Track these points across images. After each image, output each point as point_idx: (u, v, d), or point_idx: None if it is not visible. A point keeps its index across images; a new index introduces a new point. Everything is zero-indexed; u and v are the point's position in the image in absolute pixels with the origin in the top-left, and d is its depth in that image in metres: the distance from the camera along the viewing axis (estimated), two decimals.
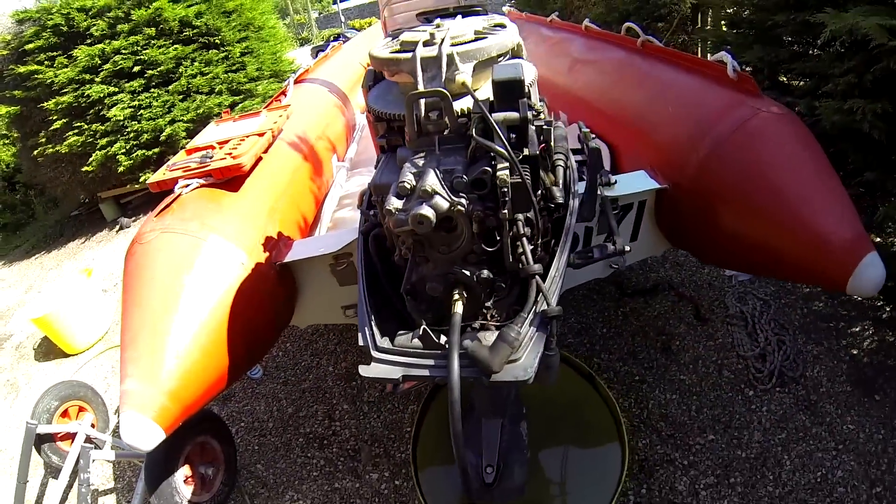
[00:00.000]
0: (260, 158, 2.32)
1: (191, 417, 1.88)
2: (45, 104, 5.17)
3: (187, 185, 2.09)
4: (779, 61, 3.01)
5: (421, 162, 1.16)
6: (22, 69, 5.16)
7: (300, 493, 2.65)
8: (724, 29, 3.62)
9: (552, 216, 1.29)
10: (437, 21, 1.40)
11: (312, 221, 2.70)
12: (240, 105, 6.02)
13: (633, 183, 2.05)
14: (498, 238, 1.15)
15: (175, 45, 5.46)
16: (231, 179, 2.15)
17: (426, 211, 1.07)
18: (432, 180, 1.09)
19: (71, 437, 2.87)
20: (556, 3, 5.79)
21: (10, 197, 8.03)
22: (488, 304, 1.22)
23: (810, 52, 2.93)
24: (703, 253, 2.14)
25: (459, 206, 1.09)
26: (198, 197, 2.09)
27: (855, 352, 2.66)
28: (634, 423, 2.57)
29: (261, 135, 2.34)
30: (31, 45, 5.12)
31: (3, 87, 5.49)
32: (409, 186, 1.10)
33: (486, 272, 1.16)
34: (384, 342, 1.20)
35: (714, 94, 2.04)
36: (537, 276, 1.12)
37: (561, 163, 1.31)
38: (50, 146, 5.45)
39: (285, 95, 3.33)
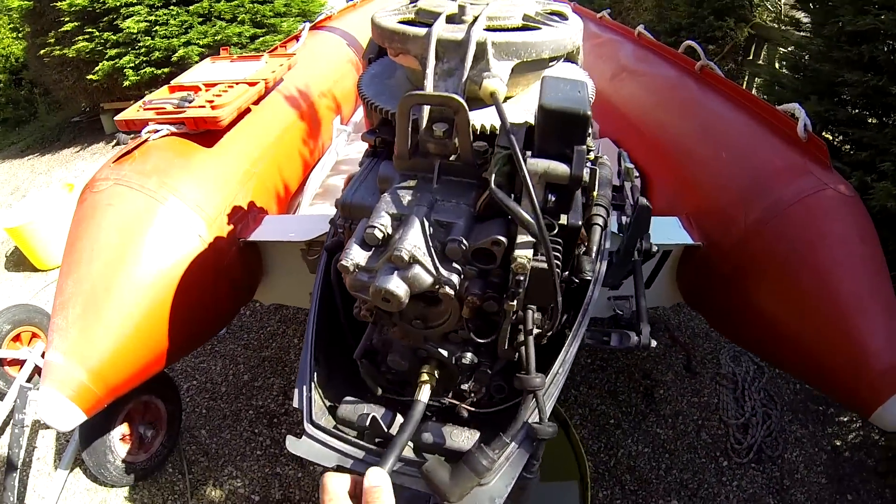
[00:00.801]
0: (248, 110, 1.95)
1: None
2: (59, 3, 4.70)
3: (156, 131, 1.72)
4: (836, 121, 2.65)
5: (407, 199, 0.76)
6: None
7: (240, 471, 2.41)
8: (780, 69, 3.22)
9: (582, 290, 0.92)
10: None
11: (297, 188, 2.34)
12: (260, 38, 5.52)
13: (663, 231, 1.75)
14: (496, 327, 0.79)
15: None
16: (206, 132, 1.79)
17: (396, 288, 0.69)
18: (415, 239, 0.70)
19: (20, 363, 2.62)
20: (604, 0, 5.33)
21: (15, 92, 7.53)
22: (465, 386, 0.88)
23: (874, 121, 2.58)
24: (719, 323, 1.88)
25: (447, 288, 0.72)
26: (165, 147, 1.73)
27: (838, 443, 2.44)
28: (599, 471, 2.35)
29: (252, 84, 1.96)
30: None
31: None
32: (379, 236, 0.72)
33: (469, 356, 0.82)
34: (320, 415, 0.86)
35: (778, 153, 1.74)
36: (536, 392, 0.76)
37: (599, 222, 0.90)
38: (58, 48, 5.01)
39: (297, 41, 2.90)
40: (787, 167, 1.65)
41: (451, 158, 0.78)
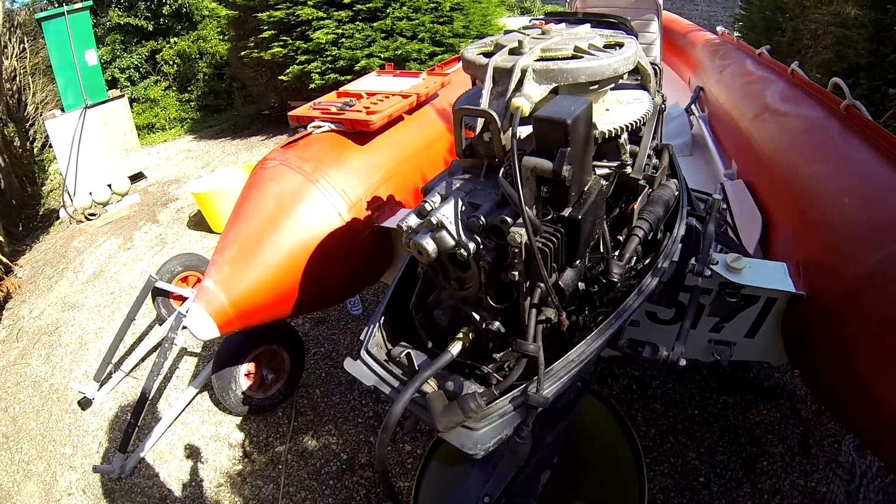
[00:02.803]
0: (401, 118, 2.35)
1: (270, 326, 2.07)
2: (260, 14, 5.78)
3: (319, 127, 2.21)
4: None
5: (457, 184, 1.02)
6: None
7: (338, 431, 2.80)
8: None
9: (609, 290, 1.09)
10: (549, 26, 1.20)
11: None
12: (438, 56, 6.13)
13: (765, 275, 1.71)
14: (511, 296, 1.00)
15: None
16: (360, 132, 2.21)
17: (426, 243, 0.94)
18: (447, 211, 0.95)
19: (182, 299, 3.31)
20: (783, 37, 5.05)
21: (217, 84, 9.35)
22: (496, 355, 1.07)
23: None
24: (815, 389, 1.77)
25: (462, 250, 0.94)
26: (324, 140, 2.19)
27: None
28: None
29: (405, 96, 2.36)
30: None
31: None
32: (428, 208, 0.99)
33: (497, 324, 1.02)
34: (377, 349, 1.14)
35: None
36: (537, 357, 0.95)
37: (638, 233, 1.08)
38: (256, 51, 6.12)
39: (456, 63, 3.33)
40: None
41: (495, 159, 1.02)
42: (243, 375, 2.76)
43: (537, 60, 1.01)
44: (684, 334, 1.14)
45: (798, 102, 2.45)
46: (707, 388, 2.83)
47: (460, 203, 0.98)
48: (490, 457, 1.75)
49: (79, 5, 5.48)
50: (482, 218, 0.94)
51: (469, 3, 6.35)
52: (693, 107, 3.54)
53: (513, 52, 1.06)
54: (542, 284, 0.92)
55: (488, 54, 1.08)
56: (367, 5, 5.72)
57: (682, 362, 1.07)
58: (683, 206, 1.29)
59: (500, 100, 0.96)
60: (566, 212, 0.93)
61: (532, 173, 0.89)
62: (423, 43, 5.97)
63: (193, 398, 3.02)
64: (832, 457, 2.49)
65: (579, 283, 1.09)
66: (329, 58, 5.80)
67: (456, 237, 0.95)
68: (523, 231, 0.86)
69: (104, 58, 8.76)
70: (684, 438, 2.61)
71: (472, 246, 0.94)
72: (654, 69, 1.41)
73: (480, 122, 1.00)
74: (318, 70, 5.83)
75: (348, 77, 5.71)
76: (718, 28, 4.00)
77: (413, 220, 0.99)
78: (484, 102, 0.99)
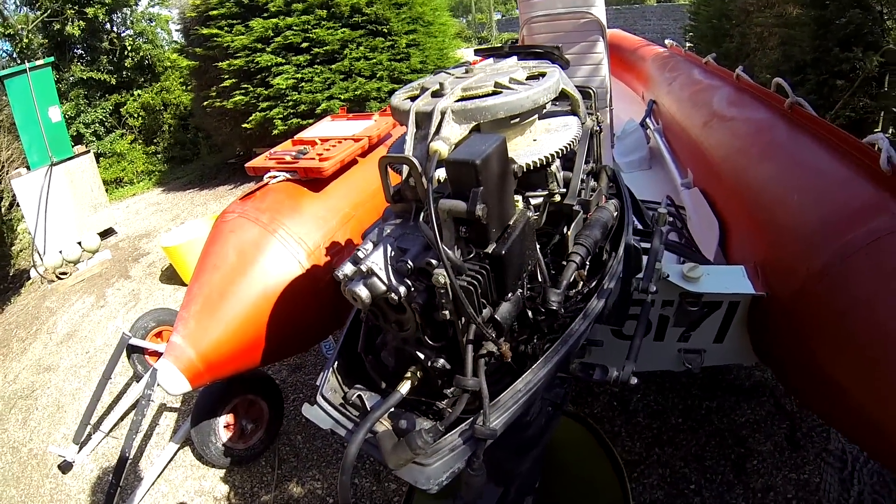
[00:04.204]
0: (355, 161, 2.39)
1: (245, 376, 2.07)
2: (220, 64, 5.88)
3: (275, 177, 2.25)
4: None
5: (388, 230, 1.05)
6: (205, 31, 5.93)
7: (322, 475, 2.77)
8: None
9: (553, 318, 1.09)
10: (468, 66, 1.23)
11: None
12: None
13: (724, 281, 1.76)
14: (448, 334, 1.01)
15: (343, 29, 5.87)
16: (315, 179, 2.25)
17: (360, 290, 0.98)
18: (377, 258, 0.99)
19: (158, 355, 3.26)
20: (731, 43, 5.25)
21: (182, 135, 9.41)
22: (447, 391, 1.08)
23: None
24: (785, 383, 1.80)
25: (393, 294, 0.97)
26: (280, 190, 2.23)
27: None
28: None
29: (357, 140, 2.41)
30: (214, 12, 5.87)
31: (189, 43, 6.36)
32: (361, 255, 1.01)
33: (441, 361, 1.03)
34: (332, 393, 1.15)
35: (855, 189, 1.62)
36: (477, 391, 0.96)
37: (575, 259, 1.10)
38: (218, 100, 6.21)
39: None
40: (862, 206, 1.54)
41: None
42: (222, 427, 2.74)
43: (458, 101, 1.04)
44: (634, 352, 1.16)
45: (744, 106, 2.51)
46: (689, 396, 2.85)
47: (389, 248, 1.00)
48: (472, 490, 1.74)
49: (41, 62, 5.52)
50: (410, 262, 0.96)
51: (425, 38, 6.52)
52: (648, 120, 3.65)
53: (435, 94, 1.08)
54: (484, 316, 0.94)
55: (415, 98, 1.11)
56: (325, 48, 5.83)
57: (633, 381, 1.08)
58: (628, 225, 1.32)
59: (423, 144, 0.99)
60: (490, 248, 0.95)
61: (449, 215, 0.91)
62: (382, 81, 6.11)
63: (175, 454, 2.97)
64: (822, 446, 2.51)
65: (528, 312, 1.11)
66: (290, 102, 5.91)
67: (386, 282, 0.97)
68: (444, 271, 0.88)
69: (68, 113, 8.76)
70: (670, 448, 2.61)
71: (402, 290, 0.96)
72: (588, 92, 1.45)
73: (406, 167, 1.02)
74: (280, 115, 5.92)
75: (310, 120, 5.85)
76: (667, 41, 4.14)
77: (348, 269, 1.01)
78: (408, 148, 1.02)
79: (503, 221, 0.97)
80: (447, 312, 0.94)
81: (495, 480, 1.76)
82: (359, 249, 1.03)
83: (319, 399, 1.14)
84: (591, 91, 1.44)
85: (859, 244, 1.44)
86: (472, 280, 0.92)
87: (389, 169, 1.04)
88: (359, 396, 1.12)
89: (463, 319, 0.95)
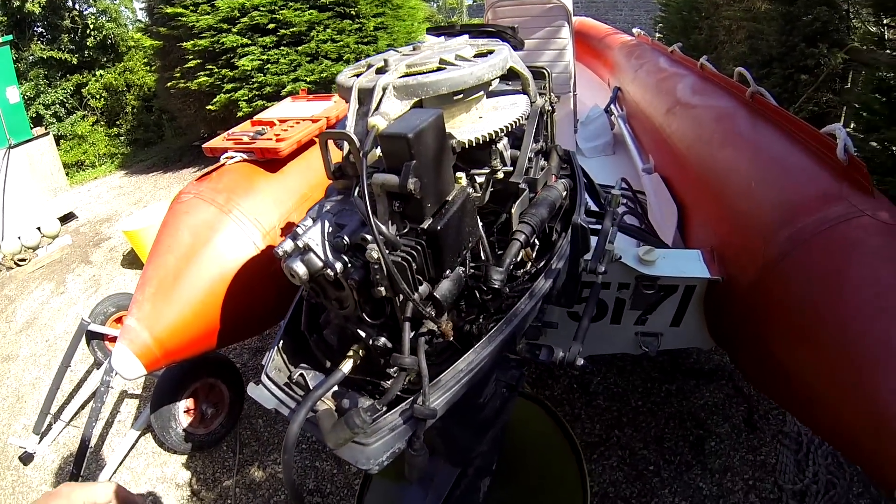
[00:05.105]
0: (312, 142, 2.35)
1: (205, 359, 2.01)
2: (185, 44, 5.71)
3: (232, 158, 2.21)
4: None
5: (328, 206, 1.03)
6: (169, 10, 5.72)
7: None
8: (872, 95, 3.02)
9: (498, 297, 1.09)
10: (416, 44, 1.21)
11: None
12: None
13: (680, 264, 1.77)
14: (385, 311, 1.00)
15: (311, 10, 5.74)
16: (271, 160, 2.22)
17: (297, 266, 0.96)
18: (314, 234, 0.97)
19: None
20: (700, 35, 5.30)
21: (146, 117, 9.16)
22: (390, 370, 1.06)
23: None
24: (741, 367, 1.83)
25: (329, 270, 0.94)
26: (236, 170, 2.19)
27: None
28: None
29: (314, 121, 2.37)
30: None
31: (153, 22, 6.15)
32: (300, 232, 0.99)
33: (382, 340, 1.01)
34: (274, 370, 1.13)
35: (811, 177, 1.64)
36: (414, 370, 0.95)
37: (520, 238, 1.08)
38: (182, 81, 6.03)
39: None
40: (819, 193, 1.56)
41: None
42: (182, 412, 2.70)
43: (402, 77, 1.02)
44: (581, 333, 1.14)
45: (707, 94, 2.54)
46: (649, 379, 2.90)
47: (328, 224, 0.98)
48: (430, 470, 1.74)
49: None
50: (346, 237, 0.94)
51: (393, 21, 6.43)
52: (612, 107, 3.67)
53: (379, 71, 1.06)
54: (420, 294, 0.92)
55: (360, 75, 1.09)
56: (292, 30, 5.71)
57: (580, 362, 1.08)
58: (580, 206, 1.31)
59: (364, 120, 0.96)
60: (426, 224, 0.93)
61: (382, 189, 0.89)
62: (349, 64, 5.96)
63: (136, 442, 2.92)
64: (778, 428, 2.58)
65: (476, 292, 1.10)
66: (255, 84, 5.79)
67: (323, 258, 0.95)
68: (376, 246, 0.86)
69: (27, 94, 8.43)
70: (630, 430, 2.66)
71: (338, 266, 0.94)
72: (541, 72, 1.44)
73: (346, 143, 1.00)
74: (246, 97, 5.80)
75: (275, 103, 5.76)
76: (635, 30, 4.16)
77: (287, 245, 0.98)
78: (349, 124, 1.00)
79: (440, 197, 0.96)
80: (383, 289, 0.92)
81: (452, 461, 1.76)
82: (298, 226, 1.00)
83: (264, 378, 1.12)
84: (544, 71, 1.43)
85: (814, 231, 1.46)
86: (406, 255, 0.90)
87: (333, 145, 1.02)
88: (301, 375, 1.10)
89: (400, 297, 0.94)
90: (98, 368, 3.11)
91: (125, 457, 2.84)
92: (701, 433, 2.63)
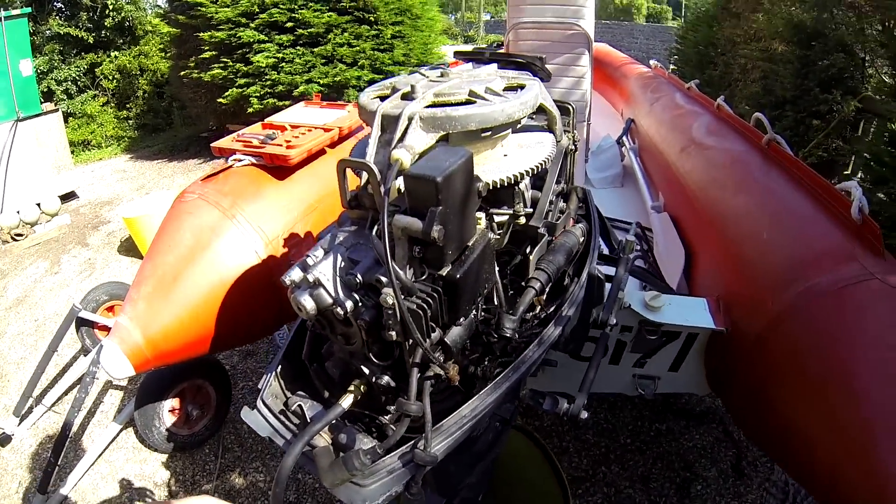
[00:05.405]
0: (323, 151, 2.31)
1: (194, 360, 2.01)
2: (202, 35, 5.68)
3: (240, 160, 2.16)
4: None
5: (341, 237, 0.98)
6: None
7: (265, 468, 2.69)
8: (883, 147, 3.00)
9: (506, 342, 1.04)
10: (444, 69, 1.15)
11: None
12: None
13: (685, 312, 1.73)
14: (394, 354, 0.95)
15: (330, 13, 5.72)
16: (280, 167, 2.17)
17: (305, 300, 0.91)
18: (325, 268, 0.91)
19: (108, 330, 3.10)
20: (715, 70, 5.31)
21: (157, 103, 9.11)
22: (391, 407, 1.02)
23: None
24: (737, 419, 1.80)
25: (339, 308, 0.90)
26: (244, 174, 2.14)
27: None
28: None
29: (327, 130, 2.33)
30: None
31: (172, 9, 6.14)
32: (310, 262, 0.94)
33: (386, 379, 0.97)
34: (270, 396, 1.09)
35: (825, 235, 1.62)
36: (420, 416, 0.90)
37: (535, 285, 1.05)
38: (196, 72, 6.01)
39: None
40: (831, 252, 1.54)
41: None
42: (167, 411, 2.65)
43: (428, 107, 0.97)
44: (587, 386, 1.11)
45: (722, 136, 2.51)
46: (639, 417, 2.86)
47: (339, 259, 0.94)
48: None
49: (17, 11, 5.22)
50: (359, 276, 0.90)
51: (411, 31, 6.41)
52: (625, 138, 3.65)
53: (405, 97, 1.01)
54: (431, 342, 0.88)
55: (385, 98, 1.04)
56: (309, 30, 5.69)
57: (584, 415, 1.04)
58: (594, 249, 1.28)
59: (386, 150, 0.92)
60: (444, 271, 0.89)
61: (403, 233, 0.85)
62: (363, 70, 5.98)
63: (117, 435, 2.85)
64: (765, 476, 2.55)
65: (483, 333, 1.06)
66: (268, 82, 5.76)
67: (333, 295, 0.91)
68: (391, 293, 0.82)
69: (41, 68, 8.35)
70: (617, 468, 2.62)
71: (349, 304, 0.90)
72: (566, 108, 1.41)
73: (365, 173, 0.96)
74: (257, 94, 5.77)
75: (287, 102, 5.73)
76: (652, 61, 4.15)
77: (296, 275, 0.94)
78: (370, 152, 0.95)
79: (462, 243, 0.91)
80: (394, 333, 0.88)
81: (439, 491, 1.73)
82: (308, 255, 0.96)
83: (259, 404, 1.07)
84: (569, 107, 1.39)
85: (825, 290, 1.44)
86: (422, 303, 0.86)
87: (349, 171, 0.98)
88: (299, 406, 1.06)
89: (410, 341, 0.89)
90: (85, 356, 3.07)
91: (105, 449, 2.77)
92: (688, 475, 2.59)
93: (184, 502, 0.65)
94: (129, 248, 4.85)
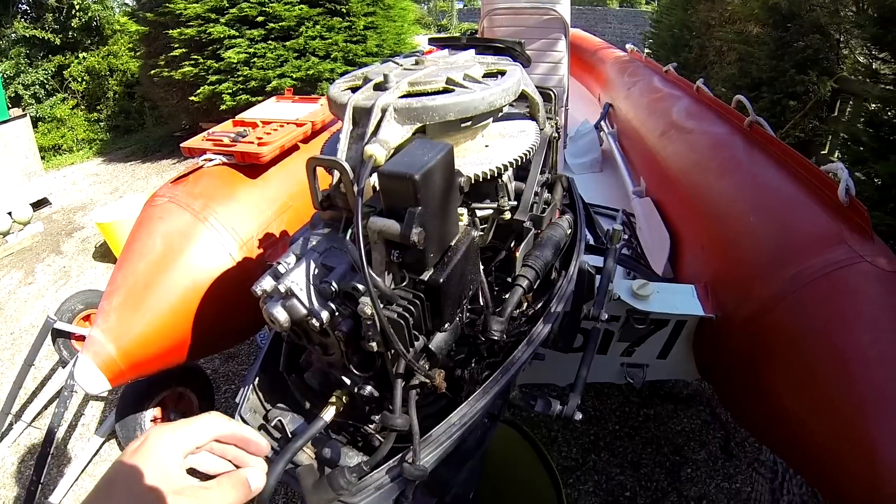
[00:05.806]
0: (296, 147, 2.22)
1: (174, 368, 1.93)
2: (171, 32, 5.51)
3: (210, 160, 2.06)
4: None
5: (313, 242, 0.90)
6: None
7: None
8: (860, 126, 3.00)
9: (494, 344, 0.98)
10: (419, 57, 1.07)
11: None
12: None
13: (674, 301, 1.69)
14: (375, 364, 0.88)
15: (301, 5, 5.58)
16: (252, 165, 2.08)
17: (278, 313, 0.84)
18: (297, 276, 0.84)
19: (83, 340, 3.03)
20: (690, 53, 5.29)
21: (128, 103, 8.86)
22: (375, 417, 0.96)
23: None
24: (728, 403, 1.79)
25: (314, 320, 0.83)
26: (215, 174, 2.04)
27: None
28: None
29: (299, 125, 2.23)
30: None
31: (140, 7, 5.94)
32: (282, 270, 0.87)
33: (369, 388, 0.90)
34: (248, 411, 1.02)
35: (812, 218, 1.60)
36: (405, 430, 0.84)
37: (523, 284, 0.97)
38: (166, 70, 5.83)
39: None
40: (819, 235, 1.52)
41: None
42: (149, 422, 2.54)
43: (403, 96, 0.89)
44: (580, 386, 1.06)
45: (703, 119, 2.47)
46: (627, 403, 2.85)
47: (313, 265, 0.86)
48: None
49: None
50: (334, 283, 0.83)
51: (383, 22, 6.28)
52: (603, 123, 3.60)
53: (378, 87, 0.93)
54: (415, 350, 0.82)
55: (356, 89, 0.96)
56: (281, 24, 5.54)
57: (578, 416, 0.99)
58: (580, 241, 1.22)
59: (358, 145, 0.84)
60: (426, 275, 0.82)
61: (380, 237, 0.78)
62: (336, 62, 5.86)
63: (100, 448, 2.75)
64: (754, 456, 2.55)
65: (469, 336, 1.00)
66: (240, 78, 5.61)
67: (307, 306, 0.84)
68: (369, 301, 0.75)
69: (7, 73, 8.09)
70: (607, 455, 2.60)
71: (324, 315, 0.83)
72: (548, 94, 1.34)
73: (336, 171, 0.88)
74: (230, 91, 5.62)
75: (259, 98, 5.58)
76: (628, 45, 4.10)
77: (267, 284, 0.87)
78: (342, 148, 0.87)
79: (443, 244, 0.84)
80: (374, 344, 0.81)
81: (429, 491, 1.68)
82: (279, 262, 0.88)
83: (237, 420, 1.01)
84: (552, 93, 1.32)
85: (814, 274, 1.43)
86: (404, 312, 0.79)
87: (320, 170, 0.90)
88: (279, 420, 0.99)
89: (392, 351, 0.83)
90: (63, 368, 2.95)
91: (88, 463, 2.67)
92: (678, 459, 2.59)
93: (193, 420, 0.60)
94: (104, 253, 4.70)
